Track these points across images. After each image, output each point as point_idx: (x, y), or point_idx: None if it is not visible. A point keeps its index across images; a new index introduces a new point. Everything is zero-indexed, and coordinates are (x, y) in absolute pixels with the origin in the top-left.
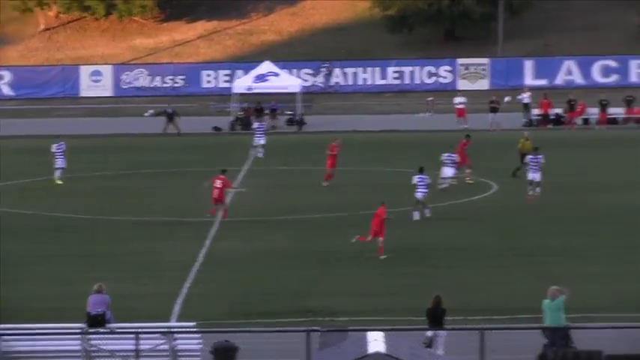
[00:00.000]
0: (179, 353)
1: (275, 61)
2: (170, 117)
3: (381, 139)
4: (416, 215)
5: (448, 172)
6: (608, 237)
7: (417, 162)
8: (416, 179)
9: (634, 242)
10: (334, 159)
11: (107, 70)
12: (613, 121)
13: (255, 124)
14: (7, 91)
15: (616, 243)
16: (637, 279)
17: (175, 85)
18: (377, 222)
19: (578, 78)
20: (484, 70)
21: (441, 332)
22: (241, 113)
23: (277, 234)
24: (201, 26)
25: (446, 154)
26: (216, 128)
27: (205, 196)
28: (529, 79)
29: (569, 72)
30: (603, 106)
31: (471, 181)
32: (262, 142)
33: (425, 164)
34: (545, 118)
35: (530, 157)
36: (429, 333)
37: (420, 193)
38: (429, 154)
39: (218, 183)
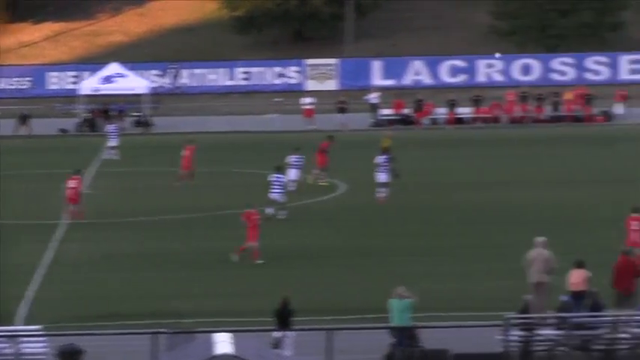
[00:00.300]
0: (24, 357)
1: (122, 62)
2: (24, 119)
3: (229, 140)
4: (269, 210)
5: (294, 174)
6: (457, 236)
7: (266, 163)
8: (271, 178)
9: (481, 241)
10: (189, 160)
11: None
12: (461, 121)
13: (110, 127)
14: None
15: (464, 242)
16: (483, 278)
17: (21, 86)
18: (251, 227)
19: (426, 78)
20: (332, 70)
21: (289, 333)
22: (88, 115)
23: (126, 236)
24: (48, 27)
25: (293, 157)
26: (63, 130)
27: (58, 199)
28: (377, 80)
29: (417, 72)
30: (451, 106)
31: (324, 183)
32: (115, 143)
33: (272, 165)
34: (395, 118)
35: (381, 157)
36: (277, 334)
37: (275, 194)
38: (278, 155)
39: (72, 183)
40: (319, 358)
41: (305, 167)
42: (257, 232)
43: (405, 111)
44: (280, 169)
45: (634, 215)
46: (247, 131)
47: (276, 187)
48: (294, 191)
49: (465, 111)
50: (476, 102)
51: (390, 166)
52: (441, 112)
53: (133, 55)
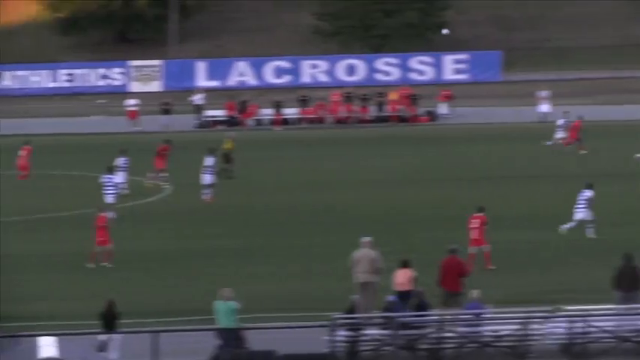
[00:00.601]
0: None
1: None
2: None
3: (53, 143)
4: (111, 214)
5: (121, 177)
6: (283, 237)
7: (92, 165)
8: (103, 179)
9: (308, 242)
10: (26, 160)
11: None
12: (286, 122)
13: None
14: None
15: (291, 243)
16: (310, 278)
17: None
18: (101, 231)
19: (250, 79)
20: (157, 72)
21: (115, 336)
22: None
23: None
24: None
25: (121, 159)
26: None
27: None
28: (202, 81)
29: (241, 73)
30: (277, 107)
31: (150, 185)
32: None
33: (99, 167)
34: (220, 119)
35: (209, 159)
36: (102, 337)
37: (108, 196)
38: (104, 157)
39: None
40: None
41: (133, 169)
42: (108, 236)
43: (231, 112)
44: (111, 170)
45: (476, 214)
46: (72, 133)
47: (109, 188)
48: (123, 194)
49: (290, 112)
50: (302, 102)
51: (227, 167)
52: (267, 112)
53: None
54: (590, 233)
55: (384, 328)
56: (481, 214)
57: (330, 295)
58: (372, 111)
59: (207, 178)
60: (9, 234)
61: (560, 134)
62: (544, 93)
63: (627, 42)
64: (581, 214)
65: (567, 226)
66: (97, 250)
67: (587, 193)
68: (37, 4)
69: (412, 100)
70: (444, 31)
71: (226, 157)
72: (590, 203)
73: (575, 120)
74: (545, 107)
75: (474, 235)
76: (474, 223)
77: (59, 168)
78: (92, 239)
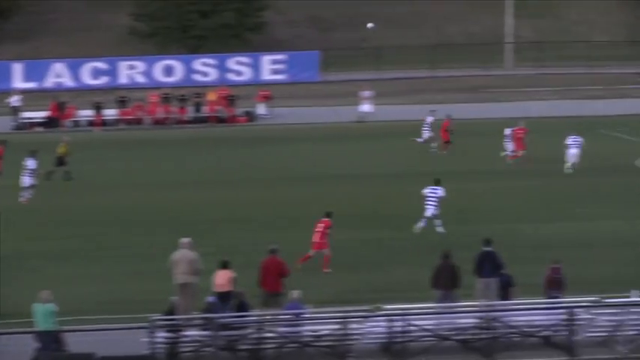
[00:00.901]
0: None
1: None
2: None
3: None
4: None
5: None
6: (102, 238)
7: None
8: None
9: (126, 243)
10: None
11: None
12: (105, 123)
13: None
14: None
15: (109, 244)
16: (130, 280)
17: None
18: None
19: (68, 80)
20: None
21: None
22: None
23: None
24: None
25: None
26: None
27: None
28: (18, 82)
29: (58, 74)
30: (97, 108)
31: None
32: None
33: None
34: (38, 121)
35: (30, 161)
36: None
37: None
38: None
39: None
40: None
41: None
42: None
43: (48, 113)
44: None
45: (323, 219)
46: None
47: None
48: None
49: (109, 113)
50: (121, 103)
51: (59, 170)
52: (85, 114)
53: None
54: (440, 229)
55: (204, 329)
56: (327, 219)
57: (149, 297)
58: (190, 112)
59: (26, 181)
60: None
61: (427, 133)
62: (367, 93)
63: (443, 41)
64: (430, 210)
65: (420, 224)
66: None
67: (437, 190)
68: None
69: (230, 100)
70: (369, 25)
71: (60, 161)
72: (440, 200)
73: (444, 119)
74: (366, 107)
75: (315, 238)
76: (319, 227)
77: None
78: None
